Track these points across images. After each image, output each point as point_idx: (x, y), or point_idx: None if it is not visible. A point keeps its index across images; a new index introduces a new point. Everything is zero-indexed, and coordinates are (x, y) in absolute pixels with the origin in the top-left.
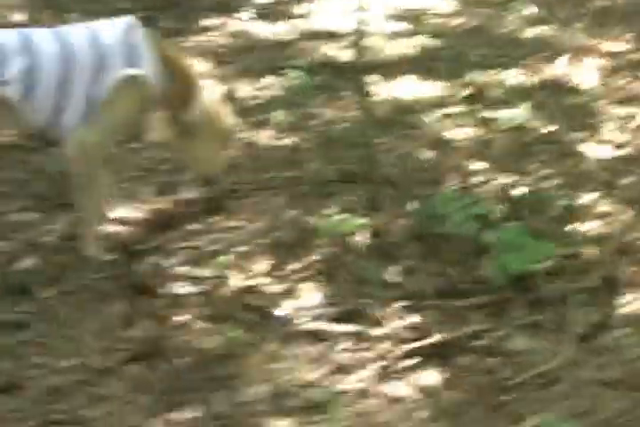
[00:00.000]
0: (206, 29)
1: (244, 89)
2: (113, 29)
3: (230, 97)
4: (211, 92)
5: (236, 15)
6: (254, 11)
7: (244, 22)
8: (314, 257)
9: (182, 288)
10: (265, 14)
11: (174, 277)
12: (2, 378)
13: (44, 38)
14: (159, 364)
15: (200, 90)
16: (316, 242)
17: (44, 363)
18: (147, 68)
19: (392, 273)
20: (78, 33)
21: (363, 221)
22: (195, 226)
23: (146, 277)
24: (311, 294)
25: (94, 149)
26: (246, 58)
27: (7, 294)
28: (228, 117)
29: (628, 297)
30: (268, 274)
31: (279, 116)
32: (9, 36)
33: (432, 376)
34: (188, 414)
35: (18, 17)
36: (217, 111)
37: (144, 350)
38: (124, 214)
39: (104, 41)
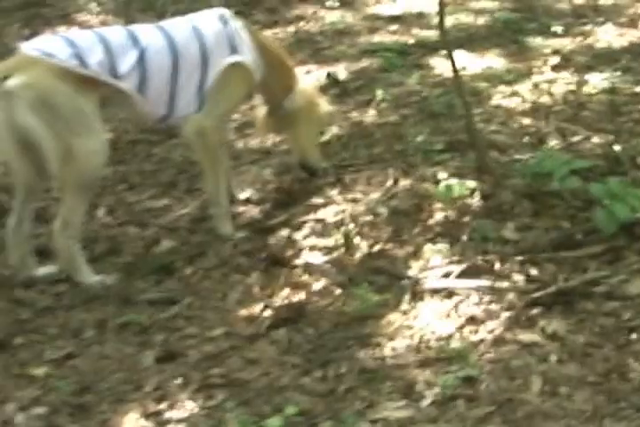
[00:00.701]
0: (299, 19)
1: (344, 72)
2: (210, 21)
3: (335, 80)
4: (306, 79)
5: (325, 4)
6: None
7: (333, 10)
8: (432, 221)
9: (314, 258)
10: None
11: (305, 248)
12: (161, 348)
13: (149, 32)
14: (303, 328)
15: (295, 77)
16: (433, 207)
17: (196, 333)
18: (247, 54)
19: (508, 230)
20: (179, 26)
21: (474, 184)
22: (316, 200)
23: (278, 249)
24: (435, 255)
25: (211, 133)
26: (340, 43)
27: (152, 274)
28: (323, 104)
29: None
30: (391, 240)
31: (380, 95)
32: (116, 33)
33: (558, 322)
34: (336, 370)
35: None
36: (312, 98)
37: (287, 316)
38: (248, 195)
39: (204, 31)
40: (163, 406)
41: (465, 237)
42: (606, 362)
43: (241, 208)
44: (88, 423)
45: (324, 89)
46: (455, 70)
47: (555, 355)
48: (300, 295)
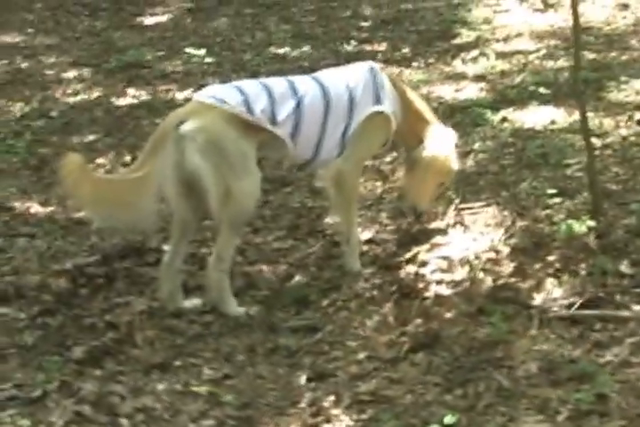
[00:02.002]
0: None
1: None
2: (360, 72)
3: None
4: (440, 132)
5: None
6: None
7: (419, 69)
8: (551, 257)
9: (442, 290)
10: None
11: (432, 282)
12: (311, 370)
13: (306, 83)
14: (439, 352)
15: (429, 129)
16: (551, 245)
17: (341, 356)
18: (388, 104)
19: (624, 265)
20: (333, 77)
21: (590, 223)
22: (439, 240)
23: (408, 283)
24: (557, 288)
25: (348, 176)
26: (429, 100)
27: (290, 306)
28: (450, 160)
29: None
30: (513, 274)
31: (477, 147)
32: (278, 83)
33: None
34: (474, 389)
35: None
36: (440, 152)
37: (423, 342)
38: (370, 235)
39: (354, 83)
40: (319, 419)
41: (584, 272)
42: None
43: (365, 247)
44: None
45: None
46: (584, 115)
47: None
48: (433, 324)
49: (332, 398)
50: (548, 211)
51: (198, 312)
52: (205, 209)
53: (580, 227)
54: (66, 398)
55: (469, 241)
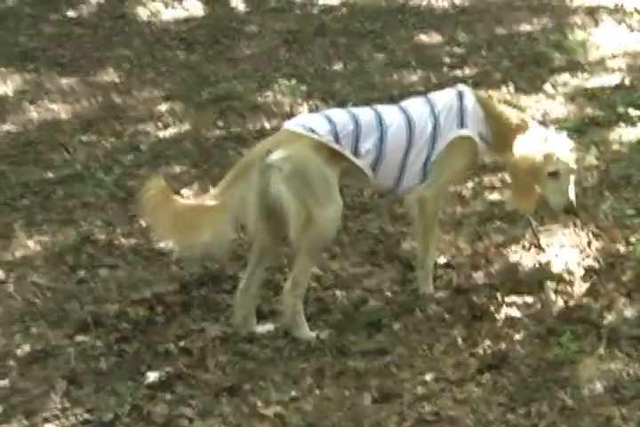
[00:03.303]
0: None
1: None
2: (447, 98)
3: None
4: (528, 135)
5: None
6: None
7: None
8: (625, 278)
9: (513, 312)
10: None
11: (504, 304)
12: (377, 391)
13: (392, 114)
14: (505, 372)
15: (520, 136)
16: (624, 266)
17: (408, 378)
18: (474, 128)
19: None
20: (418, 105)
21: None
22: (512, 260)
23: (479, 305)
24: (629, 307)
25: (431, 203)
26: None
27: (363, 330)
28: (538, 158)
29: None
30: (586, 294)
31: None
32: (366, 114)
33: None
34: (538, 408)
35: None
36: (523, 152)
37: (491, 362)
38: (446, 259)
39: (439, 109)
40: None
41: None
42: None
43: (440, 271)
44: None
45: None
46: None
47: None
48: (502, 345)
49: (395, 418)
50: (625, 231)
51: (271, 337)
52: (284, 236)
53: None
54: (136, 422)
55: (543, 264)
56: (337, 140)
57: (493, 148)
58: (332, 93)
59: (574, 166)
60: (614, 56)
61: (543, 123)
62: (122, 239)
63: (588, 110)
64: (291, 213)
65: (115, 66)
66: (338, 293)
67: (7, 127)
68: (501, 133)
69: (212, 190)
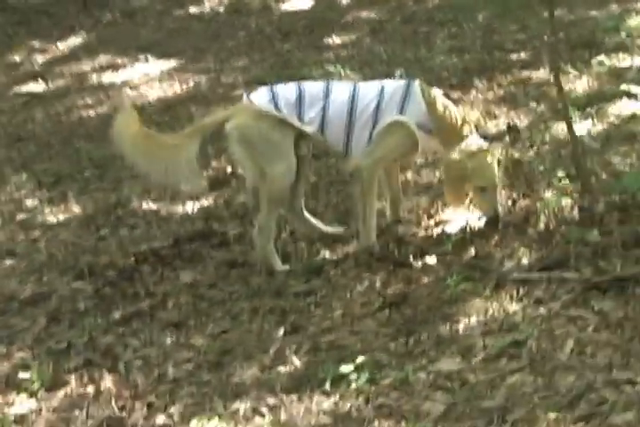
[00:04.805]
0: None
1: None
2: (397, 85)
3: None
4: (467, 144)
5: None
6: None
7: None
8: (532, 230)
9: (431, 260)
10: None
11: (427, 254)
12: (290, 325)
13: (340, 89)
14: (404, 309)
15: (461, 136)
16: (538, 220)
17: (320, 314)
18: (412, 117)
19: (592, 235)
20: (369, 86)
21: (569, 199)
22: (446, 217)
23: (404, 255)
24: (526, 255)
25: (366, 172)
26: None
27: (304, 275)
28: (466, 166)
29: None
30: (495, 245)
31: (538, 141)
32: (317, 86)
33: (607, 302)
34: (416, 338)
35: None
36: (454, 159)
37: (393, 301)
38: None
39: (386, 92)
40: (276, 362)
41: (555, 241)
42: (634, 330)
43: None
44: (219, 375)
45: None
46: (565, 104)
47: (593, 325)
48: (410, 287)
49: (294, 346)
50: (554, 191)
51: (229, 283)
52: None
53: (564, 201)
54: (86, 349)
55: (472, 218)
56: (278, 108)
57: (438, 141)
58: (388, 77)
59: (499, 181)
60: None
61: (484, 134)
62: (150, 204)
63: (607, 87)
64: (245, 171)
65: (214, 55)
66: (302, 245)
67: (101, 110)
68: (440, 132)
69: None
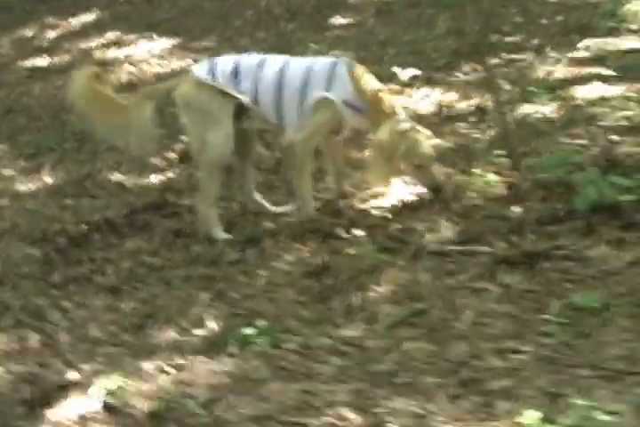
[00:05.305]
0: None
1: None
2: (326, 62)
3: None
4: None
5: None
6: None
7: None
8: (457, 205)
9: (358, 232)
10: None
11: (357, 227)
12: (215, 291)
13: (273, 62)
14: (324, 279)
15: (388, 115)
16: (466, 196)
17: (244, 282)
18: (339, 94)
19: (512, 211)
20: (300, 62)
21: (496, 177)
22: (379, 191)
23: (334, 225)
24: (447, 229)
25: (299, 146)
26: None
27: (241, 244)
28: (412, 143)
29: None
30: (421, 219)
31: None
32: (253, 59)
33: (513, 276)
34: (328, 305)
35: None
36: (382, 139)
37: (314, 270)
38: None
39: (314, 69)
40: (192, 324)
41: (477, 217)
42: (535, 302)
43: (343, 202)
44: (138, 336)
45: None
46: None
47: (495, 297)
48: (334, 258)
49: (214, 311)
50: (490, 169)
51: (170, 251)
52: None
53: (494, 179)
54: (18, 310)
55: (405, 193)
56: (215, 78)
57: (366, 119)
58: (380, 58)
59: (434, 155)
60: None
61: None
62: (118, 176)
63: (585, 71)
64: (188, 136)
65: (219, 34)
66: (250, 217)
67: None
68: (368, 111)
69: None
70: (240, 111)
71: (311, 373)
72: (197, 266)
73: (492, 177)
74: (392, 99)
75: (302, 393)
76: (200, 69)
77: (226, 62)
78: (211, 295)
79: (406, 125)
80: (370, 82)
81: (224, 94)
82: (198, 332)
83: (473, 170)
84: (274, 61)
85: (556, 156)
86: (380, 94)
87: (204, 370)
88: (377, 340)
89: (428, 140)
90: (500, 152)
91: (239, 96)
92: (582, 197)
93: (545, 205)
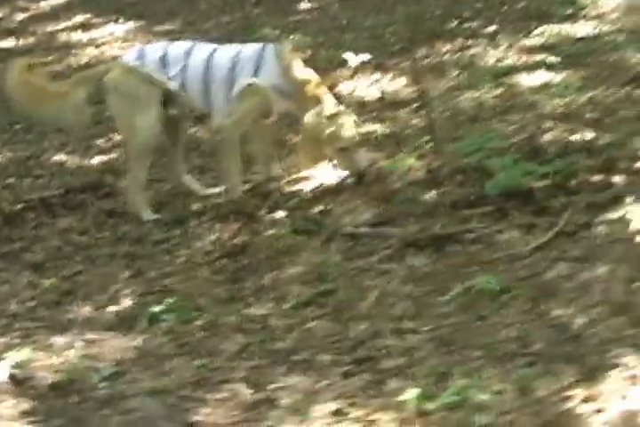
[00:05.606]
0: None
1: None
2: (254, 48)
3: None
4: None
5: None
6: None
7: None
8: (377, 188)
9: (278, 215)
10: None
11: (280, 209)
12: (136, 269)
13: (201, 49)
14: (241, 259)
15: (317, 99)
16: (388, 179)
17: (166, 261)
18: (267, 79)
19: (429, 195)
20: (229, 49)
21: (413, 161)
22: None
23: (258, 208)
24: (365, 212)
25: (228, 131)
26: None
27: (167, 225)
28: (321, 129)
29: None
30: (341, 201)
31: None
32: (182, 46)
33: (421, 258)
34: (241, 285)
35: None
36: (310, 121)
37: (232, 251)
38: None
39: (242, 55)
40: (113, 301)
41: (395, 200)
42: (438, 284)
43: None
44: (55, 312)
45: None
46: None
47: (400, 279)
48: (253, 238)
49: (133, 287)
50: (414, 153)
51: (100, 231)
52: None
53: (417, 163)
54: None
55: (330, 176)
56: (144, 65)
57: (294, 104)
58: (337, 43)
59: (357, 140)
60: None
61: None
62: (62, 156)
63: (535, 57)
64: (116, 120)
65: (184, 17)
66: (181, 199)
67: (58, 67)
68: (296, 96)
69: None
70: (169, 98)
71: (214, 350)
72: (123, 245)
73: (412, 161)
74: (319, 84)
75: (202, 369)
76: (130, 56)
77: (155, 49)
78: (130, 273)
79: (331, 110)
80: (298, 67)
81: (152, 80)
82: (112, 308)
83: (397, 155)
84: (202, 48)
85: (474, 141)
86: (308, 79)
87: (112, 345)
88: (282, 319)
89: (352, 125)
90: (427, 138)
91: (167, 82)
92: (494, 182)
93: (461, 189)
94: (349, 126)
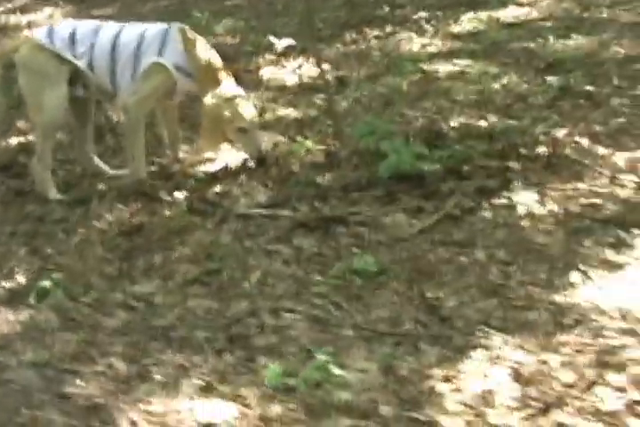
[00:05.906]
0: None
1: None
2: (158, 28)
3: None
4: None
5: None
6: None
7: None
8: (275, 171)
9: (179, 195)
10: None
11: (178, 189)
12: (33, 244)
13: (109, 28)
14: (136, 238)
15: (216, 81)
16: (288, 162)
17: (63, 239)
18: (170, 59)
19: (323, 178)
20: (135, 28)
21: (315, 145)
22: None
23: (159, 188)
24: (261, 194)
25: (132, 110)
26: None
27: (71, 204)
28: (235, 110)
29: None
30: (239, 184)
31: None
32: (90, 25)
33: (308, 239)
34: (131, 264)
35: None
36: (210, 102)
37: (130, 230)
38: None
39: (147, 35)
40: (6, 279)
41: (290, 182)
42: (320, 265)
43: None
44: None
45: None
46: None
47: (285, 259)
48: (151, 219)
49: (28, 264)
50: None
51: (6, 209)
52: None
53: (311, 146)
54: None
55: (233, 158)
56: (52, 43)
57: (196, 84)
58: (269, 28)
59: (257, 121)
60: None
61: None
62: None
63: (458, 45)
64: (25, 98)
65: (123, 1)
66: (88, 179)
67: None
68: (198, 76)
69: None
70: (77, 76)
71: (97, 325)
72: (25, 223)
73: (310, 144)
74: (221, 67)
75: (83, 343)
76: (39, 34)
77: (65, 27)
78: (27, 251)
79: (230, 92)
80: (202, 49)
81: (60, 58)
82: (6, 284)
83: (298, 138)
84: (109, 27)
85: (369, 125)
86: (209, 61)
87: (1, 320)
88: (167, 296)
89: (250, 108)
90: (330, 122)
91: (74, 61)
92: (385, 165)
93: (356, 172)
94: (248, 109)
